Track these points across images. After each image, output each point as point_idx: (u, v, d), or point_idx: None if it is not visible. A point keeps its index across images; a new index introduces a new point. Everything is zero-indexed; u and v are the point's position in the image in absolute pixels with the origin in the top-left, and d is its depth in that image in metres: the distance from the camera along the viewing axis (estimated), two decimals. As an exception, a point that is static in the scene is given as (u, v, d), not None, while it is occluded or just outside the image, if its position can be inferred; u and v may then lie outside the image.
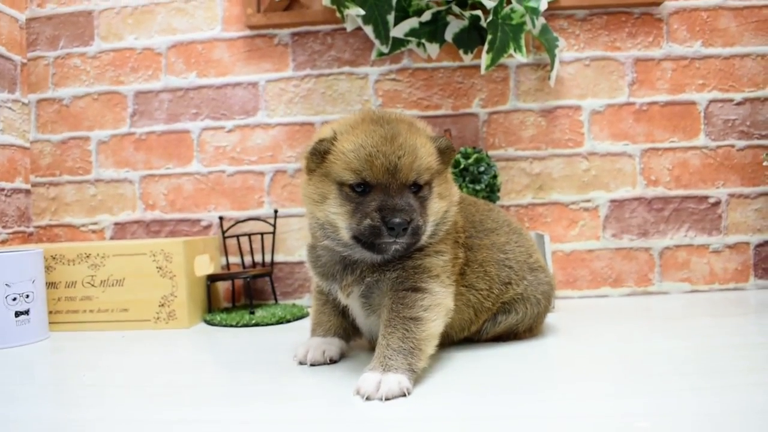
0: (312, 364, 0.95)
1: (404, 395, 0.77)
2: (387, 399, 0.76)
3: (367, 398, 0.77)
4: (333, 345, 0.98)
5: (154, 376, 0.95)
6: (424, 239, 0.89)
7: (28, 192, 1.61)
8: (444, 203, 0.91)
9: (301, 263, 1.55)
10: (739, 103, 1.50)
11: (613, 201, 1.51)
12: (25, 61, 1.61)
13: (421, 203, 0.87)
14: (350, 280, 0.91)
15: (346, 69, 1.54)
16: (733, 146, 1.50)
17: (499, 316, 1.03)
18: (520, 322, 1.04)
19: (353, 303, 0.94)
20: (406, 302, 0.86)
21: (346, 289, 0.92)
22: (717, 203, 1.50)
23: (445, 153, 0.91)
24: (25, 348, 1.18)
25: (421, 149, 0.87)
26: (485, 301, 1.01)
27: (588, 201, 1.51)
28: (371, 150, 0.85)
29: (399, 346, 0.82)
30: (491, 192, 1.32)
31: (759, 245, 1.50)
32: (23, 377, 0.98)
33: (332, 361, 0.96)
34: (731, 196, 1.50)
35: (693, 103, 1.50)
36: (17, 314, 1.20)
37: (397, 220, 0.83)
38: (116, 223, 1.60)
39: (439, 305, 0.88)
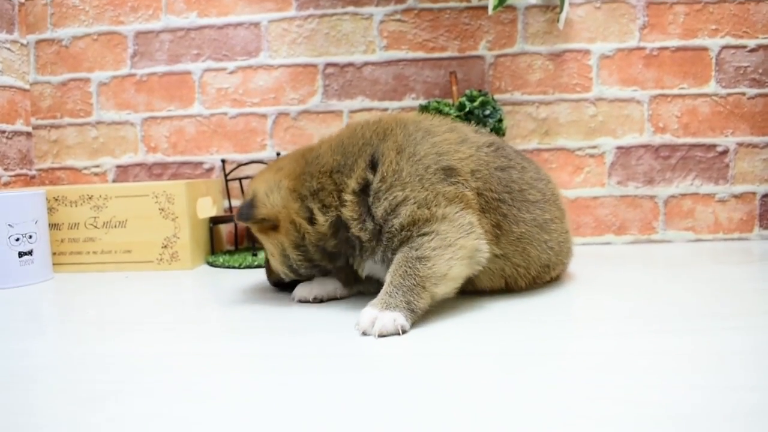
0: (299, 301, 0.98)
1: (398, 333, 0.77)
2: (381, 336, 0.76)
3: (363, 333, 0.77)
4: (326, 286, 0.98)
5: (157, 313, 0.96)
6: (286, 278, 1.01)
7: (29, 134, 1.60)
8: (273, 257, 1.00)
9: (303, 208, 1.54)
10: (752, 50, 1.46)
11: (619, 148, 1.49)
12: (23, 0, 1.58)
13: None
14: (359, 261, 0.94)
15: (350, 9, 1.50)
16: (744, 94, 1.47)
17: None
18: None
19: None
20: (413, 245, 0.83)
21: (359, 265, 0.94)
22: (725, 152, 1.48)
23: (246, 218, 0.96)
24: (29, 288, 1.19)
25: None
26: (520, 279, 0.97)
27: (594, 147, 1.49)
28: None
29: (400, 283, 0.80)
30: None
31: (765, 195, 1.48)
32: (29, 315, 0.99)
33: (316, 300, 0.97)
34: (740, 145, 1.48)
35: (705, 48, 1.47)
36: (20, 255, 1.21)
37: None
38: (118, 166, 1.59)
39: (452, 245, 0.83)
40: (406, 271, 0.81)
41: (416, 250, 0.83)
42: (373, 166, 0.90)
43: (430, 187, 0.86)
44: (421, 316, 0.82)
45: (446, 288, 0.83)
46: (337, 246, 0.93)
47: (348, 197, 0.89)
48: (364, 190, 0.89)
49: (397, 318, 0.77)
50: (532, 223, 0.96)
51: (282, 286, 1.06)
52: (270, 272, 1.06)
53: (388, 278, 0.83)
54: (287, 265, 0.97)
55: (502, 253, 0.93)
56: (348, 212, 0.89)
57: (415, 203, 0.85)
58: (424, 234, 0.84)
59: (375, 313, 0.78)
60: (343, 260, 0.95)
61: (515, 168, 0.97)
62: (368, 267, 0.93)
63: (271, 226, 0.95)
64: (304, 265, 0.96)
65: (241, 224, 0.95)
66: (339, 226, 0.91)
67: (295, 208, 0.93)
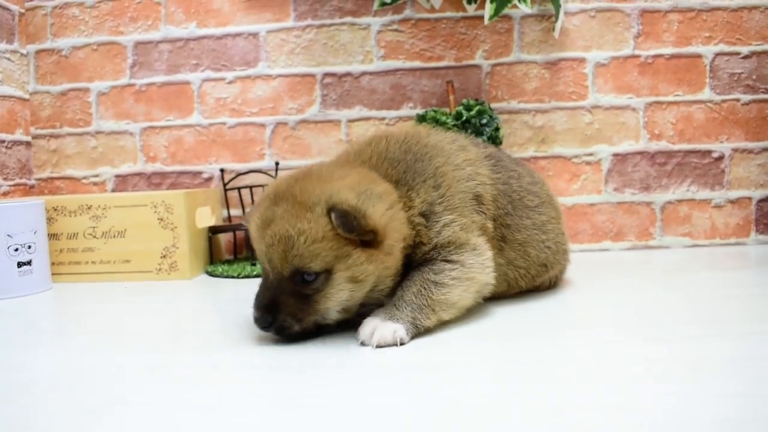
0: None
1: (396, 345, 0.76)
2: (379, 346, 0.76)
3: (362, 343, 0.77)
4: None
5: (156, 323, 0.96)
6: (330, 319, 0.81)
7: (28, 144, 1.60)
8: (359, 285, 0.79)
9: (302, 216, 1.54)
10: (745, 57, 1.48)
11: (615, 155, 1.50)
12: (23, 10, 1.59)
13: (310, 296, 0.78)
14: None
15: (348, 19, 1.51)
16: (738, 100, 1.48)
17: None
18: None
19: None
20: (434, 269, 0.83)
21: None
22: (720, 158, 1.49)
23: (352, 228, 0.75)
24: (28, 298, 1.19)
25: (301, 237, 0.75)
26: (521, 280, 0.99)
27: (591, 155, 1.50)
28: (252, 235, 0.82)
29: (411, 300, 0.80)
30: (493, 145, 1.31)
31: (761, 200, 1.49)
32: (27, 325, 0.99)
33: None
34: (735, 150, 1.49)
35: (699, 56, 1.48)
36: (20, 265, 1.21)
37: (256, 315, 0.79)
38: (117, 176, 1.60)
39: (471, 279, 0.84)
40: (420, 291, 0.81)
41: (436, 274, 0.83)
42: (435, 186, 0.86)
43: (469, 215, 0.88)
44: (422, 333, 0.81)
45: (452, 315, 0.84)
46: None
47: (416, 219, 0.84)
48: (426, 212, 0.85)
49: (398, 330, 0.77)
50: (531, 227, 0.98)
51: (291, 336, 0.82)
52: (304, 315, 0.79)
53: (399, 292, 0.82)
54: (361, 298, 0.82)
55: (506, 261, 0.96)
56: (415, 236, 0.85)
57: (458, 225, 0.86)
58: (449, 261, 0.84)
59: (376, 323, 0.78)
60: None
61: (514, 177, 0.99)
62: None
63: (367, 242, 0.79)
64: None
65: (347, 235, 0.76)
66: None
67: (402, 219, 0.82)
